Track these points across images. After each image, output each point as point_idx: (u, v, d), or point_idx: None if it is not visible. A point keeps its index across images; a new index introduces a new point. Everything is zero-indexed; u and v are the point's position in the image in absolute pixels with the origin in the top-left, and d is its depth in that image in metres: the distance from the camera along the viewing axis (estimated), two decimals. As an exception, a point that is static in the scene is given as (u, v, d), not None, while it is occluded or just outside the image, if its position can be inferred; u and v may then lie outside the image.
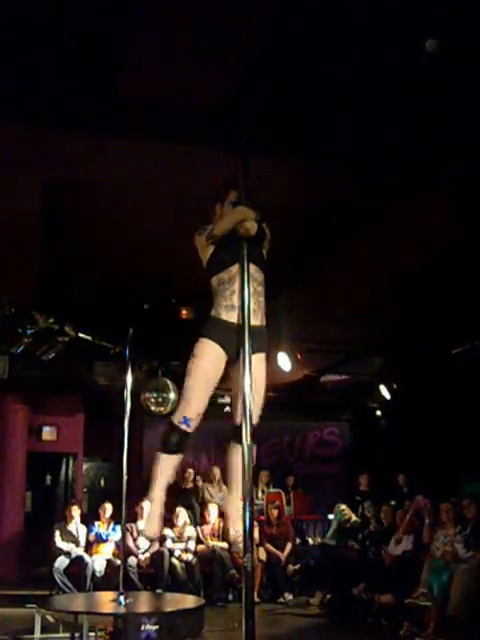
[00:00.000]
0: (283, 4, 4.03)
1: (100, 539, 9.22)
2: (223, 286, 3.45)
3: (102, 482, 12.88)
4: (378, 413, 12.44)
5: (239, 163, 3.59)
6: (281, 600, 9.07)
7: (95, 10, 4.10)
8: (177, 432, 3.32)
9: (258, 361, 3.42)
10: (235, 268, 3.41)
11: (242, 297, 3.32)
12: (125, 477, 6.38)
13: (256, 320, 3.43)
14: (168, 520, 9.64)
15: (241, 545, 3.16)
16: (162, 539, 9.29)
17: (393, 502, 8.88)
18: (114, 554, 9.01)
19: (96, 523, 9.35)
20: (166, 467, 3.39)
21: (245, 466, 3.07)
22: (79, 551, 9.03)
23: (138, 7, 4.09)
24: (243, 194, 3.49)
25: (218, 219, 3.60)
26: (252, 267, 3.40)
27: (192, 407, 3.33)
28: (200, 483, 10.97)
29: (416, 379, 10.43)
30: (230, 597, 9.08)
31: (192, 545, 9.36)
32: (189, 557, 9.17)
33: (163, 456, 3.37)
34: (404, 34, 4.31)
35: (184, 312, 8.51)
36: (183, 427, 3.31)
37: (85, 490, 12.44)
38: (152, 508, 3.43)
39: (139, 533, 9.35)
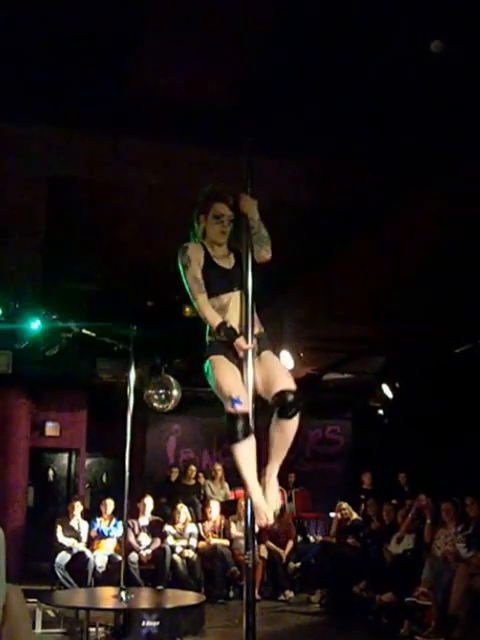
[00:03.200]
0: (290, 5, 4.04)
1: (102, 535, 9.24)
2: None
3: (104, 478, 12.90)
4: (380, 412, 12.44)
5: (244, 162, 3.61)
6: (282, 597, 9.08)
7: (105, 9, 4.12)
8: (236, 417, 3.24)
9: (269, 354, 3.53)
10: (226, 297, 3.47)
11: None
12: (127, 473, 6.40)
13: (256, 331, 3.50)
14: (169, 517, 9.69)
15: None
16: (163, 536, 9.33)
17: (394, 501, 8.88)
18: (115, 550, 9.02)
19: (98, 519, 9.37)
20: (245, 456, 3.29)
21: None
22: (81, 547, 9.05)
23: (148, 7, 4.10)
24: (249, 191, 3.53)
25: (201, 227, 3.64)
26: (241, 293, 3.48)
27: (232, 389, 3.27)
28: (202, 480, 11.00)
29: (418, 378, 10.43)
30: (231, 594, 9.09)
31: (193, 542, 9.39)
32: (190, 554, 9.19)
33: (237, 446, 3.27)
34: (409, 34, 4.32)
35: (187, 310, 8.51)
36: (237, 407, 3.22)
37: (87, 486, 12.46)
38: (254, 499, 3.30)
39: (140, 529, 9.39)
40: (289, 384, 3.39)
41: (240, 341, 3.33)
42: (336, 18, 4.12)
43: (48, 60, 4.57)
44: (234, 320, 3.44)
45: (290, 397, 3.32)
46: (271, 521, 3.35)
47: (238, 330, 3.39)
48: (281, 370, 3.49)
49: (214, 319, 3.40)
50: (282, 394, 3.32)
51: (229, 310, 3.46)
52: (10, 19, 4.24)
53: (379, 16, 4.11)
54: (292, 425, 3.39)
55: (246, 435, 3.26)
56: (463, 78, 4.60)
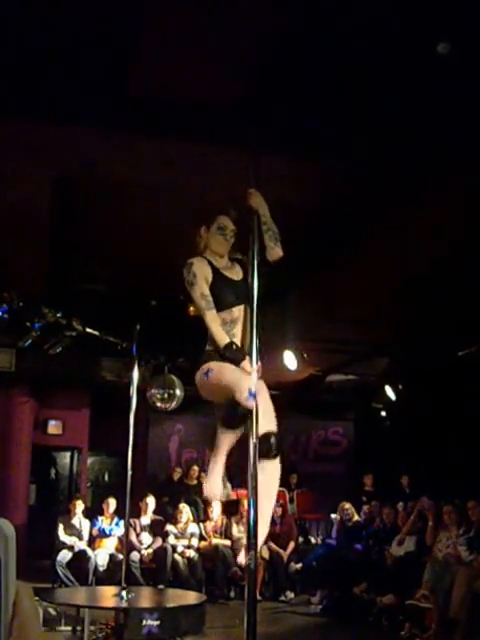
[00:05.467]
0: (296, 4, 4.04)
1: (103, 534, 9.24)
2: (223, 327, 3.44)
3: (106, 477, 12.93)
4: (383, 414, 12.43)
5: (249, 161, 3.60)
6: (282, 598, 9.09)
7: (108, 8, 4.12)
8: (242, 408, 3.22)
9: (260, 386, 3.44)
10: (237, 310, 3.46)
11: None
12: (130, 472, 6.41)
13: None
14: (171, 516, 9.70)
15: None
16: (165, 535, 9.33)
17: (400, 503, 8.86)
18: (117, 549, 9.03)
19: (99, 518, 9.37)
20: (226, 441, 3.41)
21: (251, 463, 3.14)
22: (82, 545, 9.05)
23: (150, 4, 4.10)
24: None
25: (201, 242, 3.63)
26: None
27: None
28: (204, 480, 10.98)
29: (422, 380, 10.42)
30: (231, 594, 9.10)
31: (195, 542, 9.39)
32: (192, 553, 9.19)
33: (225, 431, 3.39)
34: (416, 35, 4.31)
35: (191, 309, 8.51)
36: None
37: (89, 484, 12.47)
38: (212, 471, 3.48)
39: (142, 528, 9.40)
40: (271, 425, 3.37)
41: (246, 365, 3.29)
42: (340, 17, 4.12)
43: (50, 58, 4.58)
44: (241, 335, 3.44)
45: (272, 439, 3.32)
46: (217, 495, 3.42)
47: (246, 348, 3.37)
48: (266, 408, 3.41)
49: (222, 339, 3.37)
50: (264, 437, 3.27)
51: (239, 323, 3.46)
52: (12, 18, 4.24)
53: (383, 15, 4.11)
54: (273, 466, 3.42)
55: (237, 426, 3.29)
56: (469, 77, 4.59)
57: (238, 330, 3.45)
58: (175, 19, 4.20)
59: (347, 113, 5.05)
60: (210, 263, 3.55)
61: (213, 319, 3.41)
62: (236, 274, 3.59)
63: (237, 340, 3.42)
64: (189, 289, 3.50)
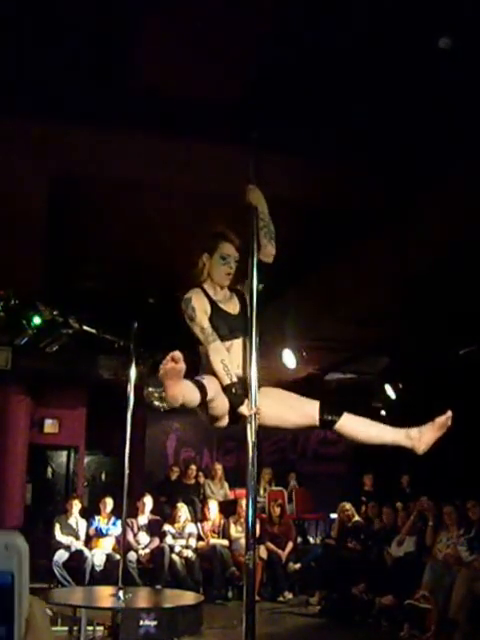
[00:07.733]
0: (296, 4, 4.01)
1: (100, 533, 9.20)
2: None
3: (103, 476, 12.86)
4: (383, 413, 12.38)
5: (249, 159, 3.56)
6: (281, 599, 9.06)
7: (108, 7, 4.08)
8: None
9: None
10: (228, 344, 3.40)
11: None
12: (127, 472, 6.36)
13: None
14: (169, 516, 9.66)
15: None
16: (162, 535, 9.29)
17: (399, 503, 8.82)
18: (114, 549, 8.99)
19: (96, 517, 9.34)
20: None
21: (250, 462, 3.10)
22: (79, 545, 9.02)
23: (151, 5, 4.07)
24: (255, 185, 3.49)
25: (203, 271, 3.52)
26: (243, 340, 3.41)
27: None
28: (202, 479, 10.96)
29: (422, 379, 10.39)
30: (230, 595, 9.07)
31: (193, 542, 9.35)
32: (189, 554, 9.15)
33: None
34: (417, 33, 4.28)
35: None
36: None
37: (86, 484, 12.42)
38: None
39: (139, 528, 9.36)
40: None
41: (243, 409, 3.25)
42: (339, 16, 4.09)
43: (50, 58, 4.54)
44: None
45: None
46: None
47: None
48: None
49: (223, 377, 3.30)
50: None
51: (235, 360, 3.40)
52: (11, 17, 4.20)
53: (383, 14, 4.08)
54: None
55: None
56: (471, 75, 4.56)
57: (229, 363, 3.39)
58: (175, 18, 4.17)
59: (347, 113, 5.03)
60: (207, 295, 3.48)
61: (217, 351, 3.35)
62: (233, 307, 3.51)
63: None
64: (190, 324, 3.43)
